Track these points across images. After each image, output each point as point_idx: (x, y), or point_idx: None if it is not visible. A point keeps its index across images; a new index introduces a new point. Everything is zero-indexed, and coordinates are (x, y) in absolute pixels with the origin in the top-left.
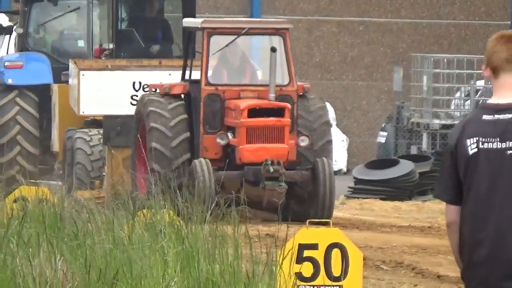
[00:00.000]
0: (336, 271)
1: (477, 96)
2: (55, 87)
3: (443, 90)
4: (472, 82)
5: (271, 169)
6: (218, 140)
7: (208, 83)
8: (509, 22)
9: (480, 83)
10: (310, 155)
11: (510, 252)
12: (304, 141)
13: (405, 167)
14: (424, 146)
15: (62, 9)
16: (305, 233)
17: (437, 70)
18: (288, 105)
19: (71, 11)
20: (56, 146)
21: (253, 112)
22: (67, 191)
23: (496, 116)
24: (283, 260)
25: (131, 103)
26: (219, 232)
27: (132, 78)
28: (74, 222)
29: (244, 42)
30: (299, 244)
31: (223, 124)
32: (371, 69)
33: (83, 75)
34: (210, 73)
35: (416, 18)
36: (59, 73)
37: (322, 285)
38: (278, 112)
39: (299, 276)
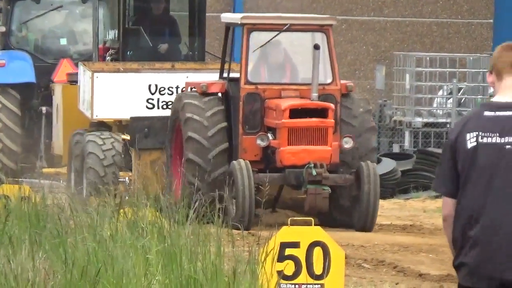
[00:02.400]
0: (318, 269)
1: (459, 95)
2: (58, 88)
3: (425, 88)
4: (454, 81)
5: (314, 172)
6: (258, 141)
7: (247, 82)
8: (491, 21)
9: (463, 82)
10: (354, 158)
11: (502, 242)
12: (348, 143)
13: (387, 165)
14: (407, 144)
15: (44, 7)
16: (287, 232)
17: (419, 69)
18: (332, 106)
19: (53, 9)
20: (59, 149)
21: (295, 113)
22: (77, 198)
23: (497, 113)
24: (265, 258)
25: (147, 107)
26: (201, 230)
27: (148, 81)
28: (58, 219)
29: (286, 39)
30: (281, 243)
31: (263, 125)
32: (353, 67)
33: (97, 77)
34: (249, 71)
35: (398, 16)
36: (42, 72)
37: (304, 284)
38: (321, 113)
39: (281, 274)
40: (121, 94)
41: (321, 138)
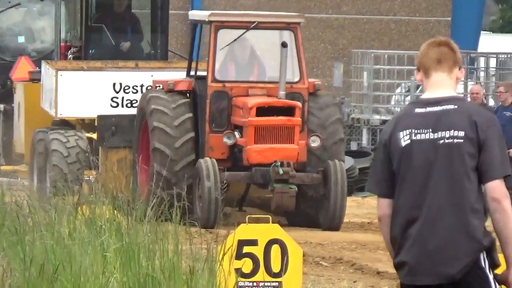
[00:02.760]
0: (276, 267)
1: (417, 92)
2: (19, 86)
3: (383, 86)
4: (412, 78)
5: (281, 171)
6: (225, 139)
7: (215, 80)
8: (449, 19)
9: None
10: (321, 157)
11: (439, 240)
12: (315, 142)
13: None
14: (364, 142)
15: (2, 5)
16: (245, 229)
17: (377, 66)
18: (299, 104)
19: (11, 7)
20: (20, 147)
21: (262, 111)
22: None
23: (428, 109)
24: (223, 256)
25: (111, 105)
26: (159, 228)
27: (112, 79)
28: (16, 217)
29: (254, 37)
30: (239, 240)
31: (230, 123)
32: (311, 64)
33: (61, 75)
34: (217, 69)
35: (356, 14)
36: (0, 69)
37: (261, 281)
38: (288, 111)
39: (239, 272)
40: (86, 92)
41: (288, 136)
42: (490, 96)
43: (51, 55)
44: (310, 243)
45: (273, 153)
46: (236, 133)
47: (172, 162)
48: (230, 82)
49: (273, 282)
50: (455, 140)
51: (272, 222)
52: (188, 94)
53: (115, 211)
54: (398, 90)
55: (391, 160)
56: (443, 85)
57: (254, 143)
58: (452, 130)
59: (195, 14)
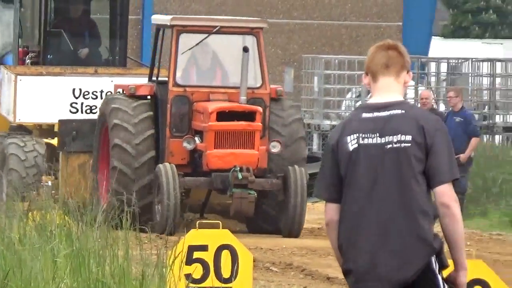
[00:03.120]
0: (226, 272)
1: (368, 97)
2: None
3: (334, 91)
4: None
5: (240, 176)
6: (185, 144)
7: (176, 84)
8: (400, 23)
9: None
10: (283, 164)
11: (392, 246)
12: (275, 147)
13: None
14: (315, 147)
15: None
16: (195, 235)
17: (328, 71)
18: (260, 109)
19: None
20: None
21: (222, 116)
22: None
23: (375, 114)
24: (173, 261)
25: (70, 111)
26: (109, 234)
27: (72, 85)
28: None
29: (216, 42)
30: (189, 246)
31: (190, 128)
32: None
33: (20, 80)
34: (178, 73)
35: (307, 19)
36: None
37: (212, 287)
38: (248, 116)
39: (189, 278)
40: (45, 97)
41: (248, 142)
42: (441, 101)
43: (3, 59)
44: (260, 248)
45: (233, 158)
46: (197, 138)
47: (132, 158)
48: (191, 86)
49: (223, 287)
50: (402, 145)
51: (233, 230)
52: (149, 99)
53: (65, 216)
54: (348, 95)
55: (339, 165)
56: (391, 89)
57: (214, 148)
58: (399, 135)
59: (158, 18)
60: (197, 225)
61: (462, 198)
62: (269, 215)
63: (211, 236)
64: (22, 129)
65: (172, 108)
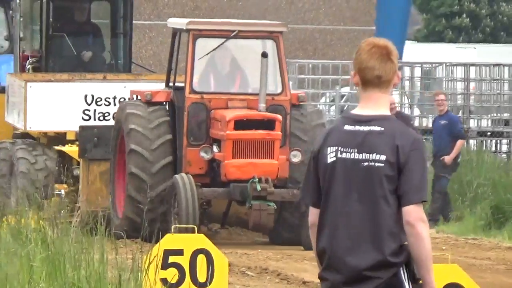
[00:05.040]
0: (202, 277)
1: (342, 102)
2: None
3: (308, 95)
4: (337, 88)
5: (258, 188)
6: (202, 153)
7: (192, 91)
8: (374, 28)
9: (346, 89)
10: (303, 172)
11: (357, 257)
12: (296, 157)
13: None
14: None
15: None
16: (171, 239)
17: (302, 76)
18: (279, 117)
19: None
20: None
21: (241, 124)
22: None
23: (357, 127)
24: (148, 266)
25: (83, 118)
26: (85, 238)
27: (84, 91)
28: None
29: (234, 46)
30: (165, 250)
31: (208, 137)
32: None
33: (30, 87)
34: (195, 79)
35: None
36: None
37: None
38: (268, 124)
39: (165, 282)
40: (56, 104)
41: (267, 151)
42: (415, 106)
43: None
44: (236, 253)
45: (251, 168)
46: (214, 147)
47: (148, 163)
48: (209, 93)
49: None
50: (376, 164)
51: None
52: (166, 106)
53: (41, 221)
54: (322, 100)
55: (319, 173)
56: (378, 102)
57: (232, 158)
58: (374, 154)
59: (174, 22)
60: (172, 230)
61: (440, 197)
62: (292, 225)
63: (186, 240)
64: (27, 137)
65: (189, 116)
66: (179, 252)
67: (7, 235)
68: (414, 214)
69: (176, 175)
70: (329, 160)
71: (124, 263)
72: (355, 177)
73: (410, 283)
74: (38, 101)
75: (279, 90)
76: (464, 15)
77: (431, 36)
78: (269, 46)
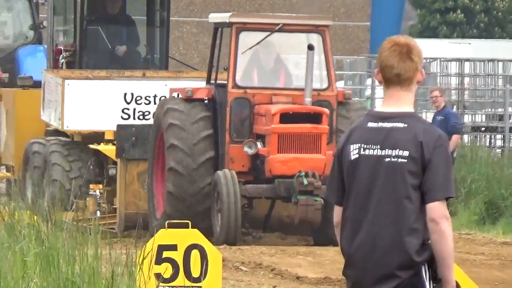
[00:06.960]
0: (196, 272)
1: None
2: (9, 93)
3: None
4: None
5: (305, 182)
6: (246, 149)
7: (236, 86)
8: (368, 23)
9: (340, 83)
10: None
11: (379, 257)
12: None
13: None
14: None
15: None
16: (165, 234)
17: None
18: (326, 110)
19: None
20: (10, 159)
21: (286, 118)
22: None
23: (380, 124)
24: (142, 261)
25: (122, 117)
26: (78, 233)
27: (123, 89)
28: None
29: (278, 40)
30: (159, 245)
31: (252, 132)
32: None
33: (68, 85)
34: (238, 74)
35: None
36: None
37: (181, 286)
38: (314, 118)
39: (159, 277)
40: (95, 103)
41: (314, 145)
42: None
43: (16, 54)
44: (229, 248)
45: (297, 163)
46: (258, 143)
47: (188, 158)
48: (252, 88)
49: (193, 287)
50: (399, 160)
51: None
52: (207, 103)
53: (35, 216)
54: None
55: (343, 171)
56: (400, 100)
57: (278, 153)
58: (398, 149)
59: (215, 17)
60: (166, 225)
61: None
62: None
63: (180, 235)
64: (60, 134)
65: (232, 112)
66: (173, 247)
67: (1, 230)
68: (438, 211)
69: (218, 171)
70: (352, 158)
71: (118, 258)
72: (378, 173)
73: (431, 283)
74: (76, 100)
75: (324, 86)
76: (459, 11)
77: (426, 31)
78: (315, 40)
